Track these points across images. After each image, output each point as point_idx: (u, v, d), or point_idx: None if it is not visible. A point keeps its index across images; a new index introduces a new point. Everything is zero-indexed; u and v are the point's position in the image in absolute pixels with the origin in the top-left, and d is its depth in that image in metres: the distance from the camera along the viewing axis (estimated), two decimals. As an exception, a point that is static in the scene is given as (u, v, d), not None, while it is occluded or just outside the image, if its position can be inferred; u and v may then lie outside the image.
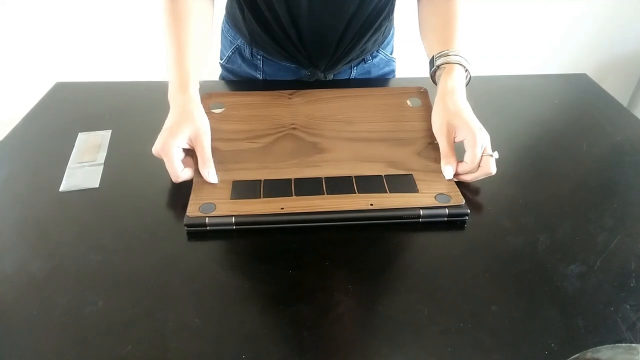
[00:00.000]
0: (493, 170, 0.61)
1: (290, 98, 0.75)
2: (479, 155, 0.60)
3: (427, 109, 0.73)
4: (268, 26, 0.79)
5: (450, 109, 0.64)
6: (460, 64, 0.68)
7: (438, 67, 0.70)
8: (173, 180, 0.59)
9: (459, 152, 0.63)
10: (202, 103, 0.65)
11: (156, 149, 0.59)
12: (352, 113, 0.73)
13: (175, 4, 0.68)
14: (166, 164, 0.59)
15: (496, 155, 0.61)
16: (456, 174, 0.62)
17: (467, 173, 0.62)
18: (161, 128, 0.61)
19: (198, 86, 0.66)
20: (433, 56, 0.71)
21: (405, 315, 0.47)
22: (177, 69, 0.65)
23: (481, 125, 0.63)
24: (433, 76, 0.72)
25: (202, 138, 0.60)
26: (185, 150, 0.61)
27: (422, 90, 0.77)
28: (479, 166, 0.61)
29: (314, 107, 0.74)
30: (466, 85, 0.69)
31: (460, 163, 0.62)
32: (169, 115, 0.63)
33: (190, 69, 0.65)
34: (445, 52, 0.69)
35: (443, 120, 0.64)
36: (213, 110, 0.71)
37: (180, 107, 0.62)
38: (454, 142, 0.64)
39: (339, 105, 0.74)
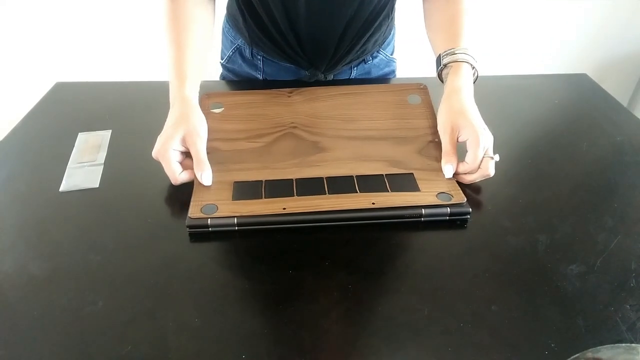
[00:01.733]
0: (492, 172, 0.61)
1: (289, 96, 0.75)
2: (481, 156, 0.60)
3: (427, 106, 0.73)
4: (266, 29, 0.79)
5: (455, 108, 0.64)
6: (468, 62, 0.68)
7: (445, 65, 0.69)
8: (172, 182, 0.60)
9: (460, 151, 0.63)
10: (201, 104, 0.65)
11: (154, 152, 0.60)
12: (352, 111, 0.72)
13: (176, 6, 0.68)
14: (164, 167, 0.59)
15: (497, 157, 0.61)
16: (456, 174, 0.62)
17: (466, 173, 0.62)
18: (161, 128, 0.61)
19: (197, 88, 0.66)
20: (440, 54, 0.71)
21: (405, 315, 0.47)
22: (176, 72, 0.65)
23: (485, 126, 0.62)
24: (440, 74, 0.71)
25: (195, 140, 0.60)
26: (184, 152, 0.61)
27: (421, 87, 0.77)
28: (479, 167, 0.61)
29: (314, 105, 0.74)
30: (473, 83, 0.68)
31: (460, 163, 0.62)
32: (167, 118, 0.63)
33: (189, 71, 0.65)
34: (452, 50, 0.69)
35: (448, 119, 0.64)
36: (213, 110, 0.71)
37: (177, 110, 0.62)
38: (457, 141, 0.64)
39: (338, 103, 0.74)
